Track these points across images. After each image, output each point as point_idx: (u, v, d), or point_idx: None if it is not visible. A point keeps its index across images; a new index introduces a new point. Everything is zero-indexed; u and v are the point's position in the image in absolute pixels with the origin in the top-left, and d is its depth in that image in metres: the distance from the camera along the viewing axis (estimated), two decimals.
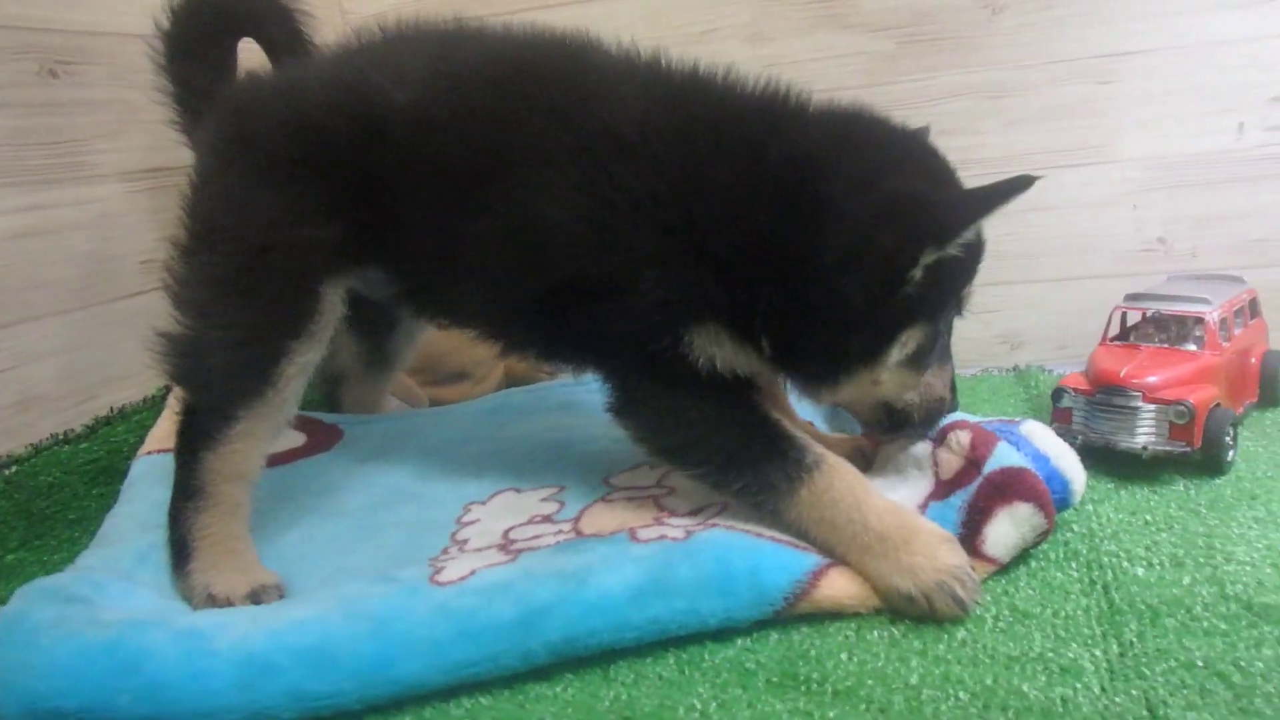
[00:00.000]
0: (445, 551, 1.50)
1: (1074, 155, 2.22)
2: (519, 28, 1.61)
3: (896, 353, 1.41)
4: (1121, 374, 1.70)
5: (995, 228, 2.24)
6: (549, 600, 1.25)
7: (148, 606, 1.34)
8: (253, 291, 1.52)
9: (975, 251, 1.43)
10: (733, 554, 1.32)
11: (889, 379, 1.45)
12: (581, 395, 2.15)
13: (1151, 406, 1.67)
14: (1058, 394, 1.78)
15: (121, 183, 1.94)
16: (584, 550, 1.36)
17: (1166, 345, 1.80)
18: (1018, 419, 1.59)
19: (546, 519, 1.59)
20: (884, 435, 1.58)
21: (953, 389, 1.55)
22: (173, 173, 2.06)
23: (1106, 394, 1.72)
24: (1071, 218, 2.27)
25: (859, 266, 1.33)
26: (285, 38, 1.86)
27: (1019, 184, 1.31)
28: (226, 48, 1.84)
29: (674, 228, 1.39)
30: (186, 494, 1.47)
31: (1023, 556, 1.42)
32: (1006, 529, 1.38)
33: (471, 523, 1.61)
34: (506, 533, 1.54)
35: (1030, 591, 1.35)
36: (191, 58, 1.78)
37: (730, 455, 1.41)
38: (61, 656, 1.15)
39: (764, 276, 1.38)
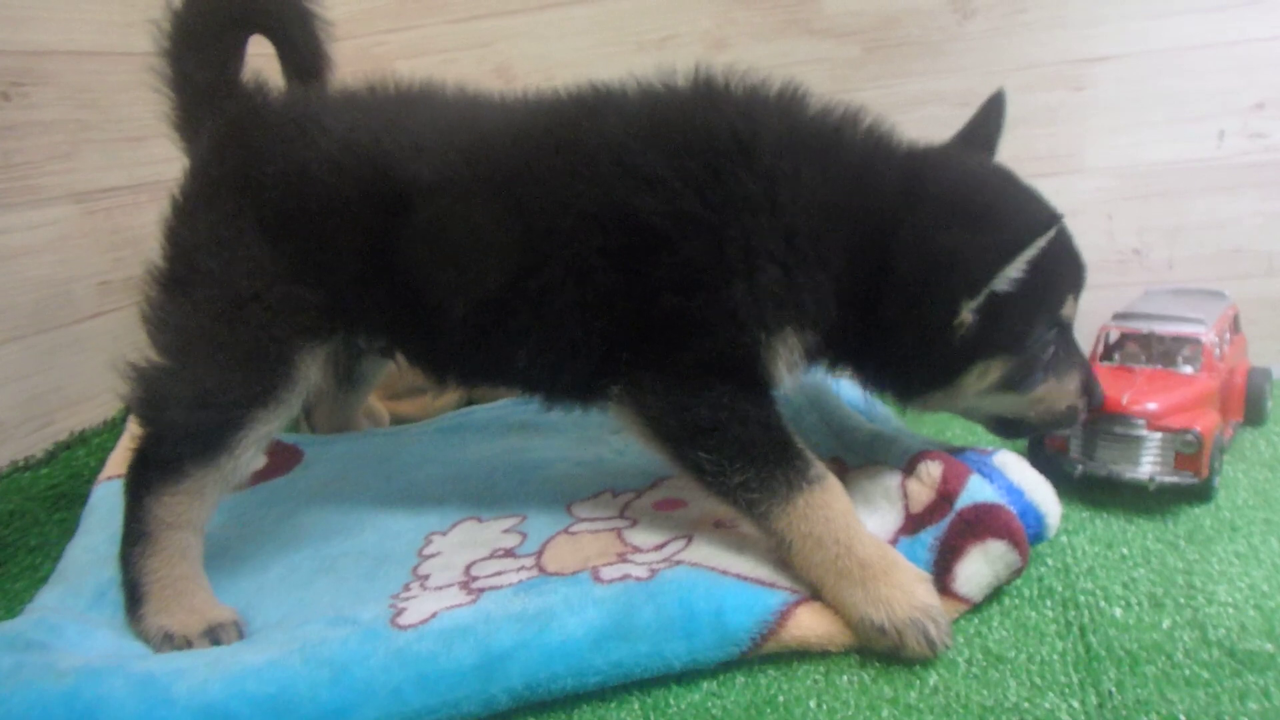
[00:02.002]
0: (407, 588, 1.46)
1: (1045, 164, 2.16)
2: (522, 96, 1.62)
3: (974, 382, 1.46)
4: (1124, 400, 1.62)
5: None
6: (509, 645, 1.23)
7: (105, 649, 1.34)
8: (226, 348, 1.47)
9: (1046, 271, 1.39)
10: (696, 595, 1.29)
11: (987, 402, 1.51)
12: (541, 413, 2.09)
13: (1157, 435, 1.60)
14: None
15: (75, 204, 1.92)
16: (546, 591, 1.33)
17: (1158, 367, 1.73)
18: (990, 449, 1.52)
19: (508, 553, 1.54)
20: (1009, 439, 1.62)
21: (1087, 390, 1.52)
22: (128, 191, 2.02)
23: (1107, 421, 1.64)
24: None
25: (911, 319, 1.41)
26: (301, 41, 1.76)
27: (1039, 228, 1.33)
28: (236, 42, 1.73)
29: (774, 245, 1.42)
30: (133, 539, 1.44)
31: (995, 593, 1.37)
32: (979, 567, 1.34)
33: (433, 555, 1.57)
34: (468, 568, 1.50)
35: (1004, 633, 1.30)
36: (198, 48, 1.67)
37: (743, 448, 1.39)
38: (19, 708, 1.14)
39: (848, 305, 1.44)
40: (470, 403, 2.37)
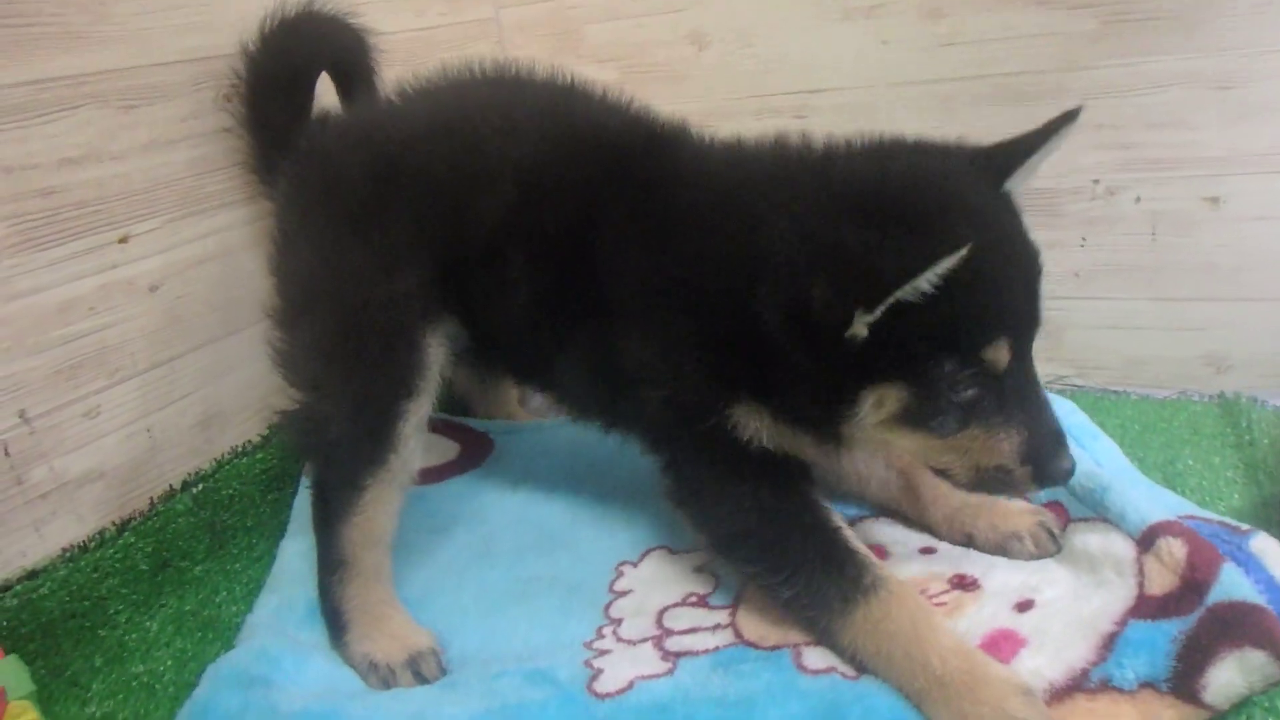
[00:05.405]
0: (600, 633, 1.45)
1: None
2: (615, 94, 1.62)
3: (872, 413, 1.27)
4: None
5: (1206, 237, 1.98)
6: None
7: (320, 683, 1.38)
8: (358, 354, 1.50)
9: (958, 298, 1.17)
10: (908, 709, 1.20)
11: (901, 440, 1.30)
12: None
13: None
14: None
15: None
16: (745, 674, 1.29)
17: None
18: (1247, 528, 1.34)
19: (701, 600, 1.50)
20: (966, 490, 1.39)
21: (1029, 457, 1.27)
22: None
23: None
24: None
25: (797, 322, 1.24)
26: (361, 71, 1.89)
27: (940, 250, 1.11)
28: (311, 82, 1.84)
29: (708, 305, 1.36)
30: (331, 567, 1.49)
31: (1244, 704, 1.20)
32: (1233, 677, 1.18)
33: (625, 592, 1.55)
34: (660, 616, 1.47)
35: None
36: (278, 92, 1.78)
37: (782, 555, 1.34)
38: None
39: (753, 341, 1.31)
40: None
